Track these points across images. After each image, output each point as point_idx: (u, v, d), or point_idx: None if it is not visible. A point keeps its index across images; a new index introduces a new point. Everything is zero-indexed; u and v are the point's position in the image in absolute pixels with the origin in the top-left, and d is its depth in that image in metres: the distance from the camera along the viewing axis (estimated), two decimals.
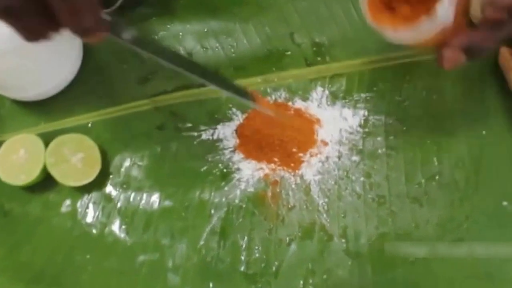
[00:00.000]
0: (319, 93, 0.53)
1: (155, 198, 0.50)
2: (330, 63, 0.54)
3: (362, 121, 0.52)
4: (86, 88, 0.55)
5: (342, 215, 0.48)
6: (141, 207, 0.50)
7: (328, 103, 0.53)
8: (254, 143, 0.51)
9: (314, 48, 0.55)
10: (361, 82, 0.53)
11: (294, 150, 0.50)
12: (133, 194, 0.50)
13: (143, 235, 0.49)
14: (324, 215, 0.48)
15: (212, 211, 0.49)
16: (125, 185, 0.51)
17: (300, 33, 0.56)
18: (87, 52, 0.56)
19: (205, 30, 0.57)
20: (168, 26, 0.58)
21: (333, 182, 0.49)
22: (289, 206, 0.49)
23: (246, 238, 0.48)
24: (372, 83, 0.53)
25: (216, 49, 0.56)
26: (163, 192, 0.50)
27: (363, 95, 0.53)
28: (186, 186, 0.50)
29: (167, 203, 0.50)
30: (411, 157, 0.50)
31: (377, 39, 0.55)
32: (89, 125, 0.53)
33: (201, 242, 0.48)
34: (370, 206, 0.48)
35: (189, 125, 0.52)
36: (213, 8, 0.58)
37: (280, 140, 0.50)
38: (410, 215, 0.48)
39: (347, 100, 0.53)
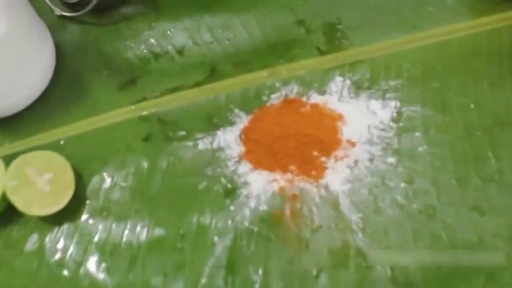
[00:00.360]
0: (338, 83, 0.44)
1: (143, 226, 0.39)
2: (348, 49, 0.45)
3: (395, 114, 0.42)
4: (58, 100, 0.46)
5: (383, 233, 0.38)
6: (125, 238, 0.39)
7: (351, 95, 0.43)
8: (264, 149, 0.41)
9: (327, 34, 0.46)
10: (388, 68, 0.44)
11: (315, 153, 0.40)
12: (114, 223, 0.40)
13: (128, 275, 0.38)
14: (360, 235, 0.38)
15: (215, 239, 0.38)
16: (105, 211, 0.40)
17: (309, 19, 0.47)
18: (60, 60, 0.47)
19: (198, 25, 0.48)
20: (153, 24, 0.49)
21: (366, 192, 0.39)
22: (314, 226, 0.38)
23: (261, 271, 0.37)
24: (401, 67, 0.44)
25: (211, 45, 0.47)
26: (153, 218, 0.40)
27: (392, 82, 0.44)
28: (181, 209, 0.40)
29: (157, 231, 0.39)
30: (461, 153, 0.40)
31: (401, 19, 0.46)
32: (62, 142, 0.44)
33: (203, 280, 0.37)
34: (417, 219, 0.38)
35: (182, 133, 0.43)
36: (206, 2, 0.49)
37: (297, 142, 0.40)
38: (470, 227, 0.37)
39: (373, 90, 0.43)
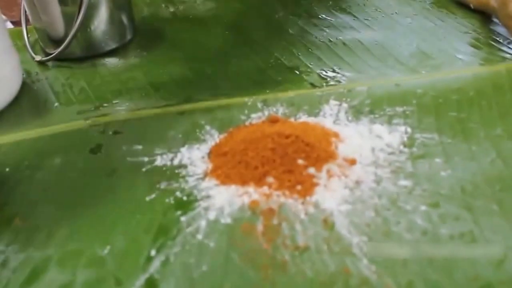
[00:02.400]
0: (334, 107, 0.36)
1: (60, 235, 0.28)
2: (344, 83, 0.39)
3: (405, 140, 0.34)
4: (12, 118, 0.39)
5: (400, 262, 0.25)
6: (31, 248, 0.27)
7: (349, 118, 0.35)
8: (235, 160, 0.31)
9: (322, 76, 0.41)
10: (393, 94, 0.37)
11: (301, 162, 0.30)
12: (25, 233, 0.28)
13: None
14: (365, 261, 0.25)
15: (153, 253, 0.26)
16: (20, 219, 0.29)
17: (303, 67, 0.43)
18: (25, 89, 0.42)
19: (180, 69, 0.44)
20: (134, 67, 0.45)
21: (373, 214, 0.28)
22: (297, 247, 0.26)
23: None
24: (409, 94, 0.37)
25: (191, 82, 0.42)
26: (73, 228, 0.28)
27: (399, 108, 0.36)
28: (114, 220, 0.28)
29: (74, 244, 0.27)
30: (497, 178, 0.30)
31: (403, 67, 0.42)
32: None
33: None
34: (448, 243, 0.26)
35: (138, 147, 0.34)
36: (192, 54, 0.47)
37: (276, 143, 0.30)
38: None
39: (376, 115, 0.36)
